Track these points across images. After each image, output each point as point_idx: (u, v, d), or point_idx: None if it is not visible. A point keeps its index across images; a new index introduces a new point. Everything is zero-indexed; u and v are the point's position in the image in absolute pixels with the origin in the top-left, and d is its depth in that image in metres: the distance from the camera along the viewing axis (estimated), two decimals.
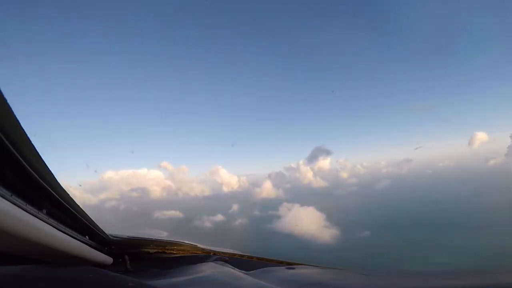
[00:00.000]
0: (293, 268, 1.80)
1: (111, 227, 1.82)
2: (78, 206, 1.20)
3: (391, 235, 61.76)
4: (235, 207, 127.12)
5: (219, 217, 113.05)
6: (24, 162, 0.78)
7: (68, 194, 1.08)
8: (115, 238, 1.78)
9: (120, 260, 1.85)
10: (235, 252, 2.37)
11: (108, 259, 1.70)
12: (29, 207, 0.85)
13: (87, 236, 1.46)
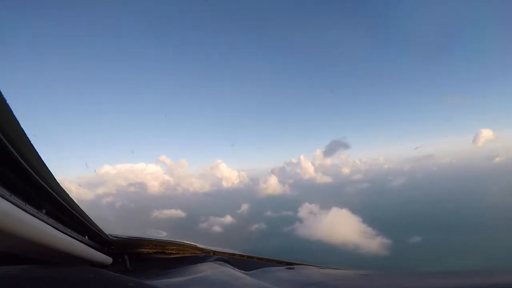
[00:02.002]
0: (293, 268, 1.80)
1: (111, 227, 1.81)
2: (78, 206, 1.20)
3: (444, 239, 54.16)
4: (244, 206, 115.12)
5: (228, 219, 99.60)
6: (23, 162, 0.77)
7: (68, 194, 1.08)
8: (114, 238, 1.78)
9: (120, 260, 1.85)
10: (235, 252, 2.36)
11: (108, 259, 1.69)
12: (28, 207, 0.85)
13: (86, 236, 1.46)
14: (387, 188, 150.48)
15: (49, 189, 0.94)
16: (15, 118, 0.70)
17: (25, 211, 0.82)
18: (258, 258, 2.24)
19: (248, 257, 2.26)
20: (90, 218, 1.36)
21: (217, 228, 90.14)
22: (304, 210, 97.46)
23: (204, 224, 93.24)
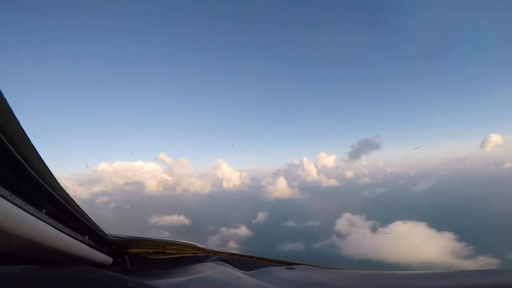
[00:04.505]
0: (293, 268, 1.80)
1: (111, 227, 1.81)
2: (78, 206, 1.20)
3: None
4: (260, 215, 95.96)
5: (244, 231, 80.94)
6: (23, 162, 0.77)
7: (68, 194, 1.08)
8: (114, 238, 1.78)
9: (120, 260, 1.85)
10: (235, 252, 2.37)
11: (108, 259, 1.69)
12: (28, 207, 0.84)
13: (86, 236, 1.45)
14: (410, 193, 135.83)
15: (49, 189, 0.94)
16: (15, 118, 0.70)
17: (25, 211, 0.82)
18: (258, 258, 2.24)
19: (248, 257, 2.27)
20: (90, 218, 1.36)
21: (233, 244, 72.26)
22: (344, 222, 79.90)
23: (215, 238, 76.56)
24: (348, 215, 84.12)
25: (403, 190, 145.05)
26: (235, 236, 79.75)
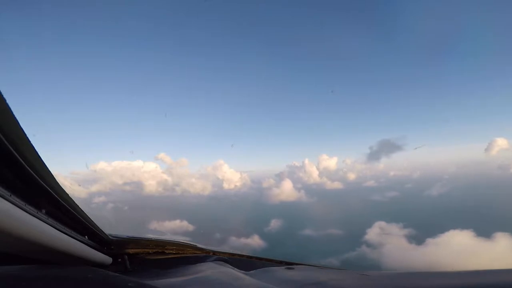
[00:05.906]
0: (293, 268, 1.80)
1: (110, 226, 1.81)
2: (78, 206, 1.20)
3: None
4: (273, 222, 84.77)
5: (257, 241, 69.92)
6: (23, 162, 0.77)
7: (67, 194, 1.08)
8: (114, 238, 1.78)
9: (120, 260, 1.85)
10: (234, 252, 2.37)
11: (108, 259, 1.69)
12: (28, 207, 0.84)
13: (86, 236, 1.45)
14: (427, 197, 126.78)
15: (49, 189, 0.94)
16: (15, 118, 0.70)
17: (25, 211, 0.82)
18: (258, 258, 2.24)
19: (248, 257, 2.27)
20: (90, 218, 1.36)
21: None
22: (375, 231, 67.96)
23: (224, 247, 68.00)
24: (381, 223, 72.32)
25: (416, 194, 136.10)
26: (247, 247, 69.33)
